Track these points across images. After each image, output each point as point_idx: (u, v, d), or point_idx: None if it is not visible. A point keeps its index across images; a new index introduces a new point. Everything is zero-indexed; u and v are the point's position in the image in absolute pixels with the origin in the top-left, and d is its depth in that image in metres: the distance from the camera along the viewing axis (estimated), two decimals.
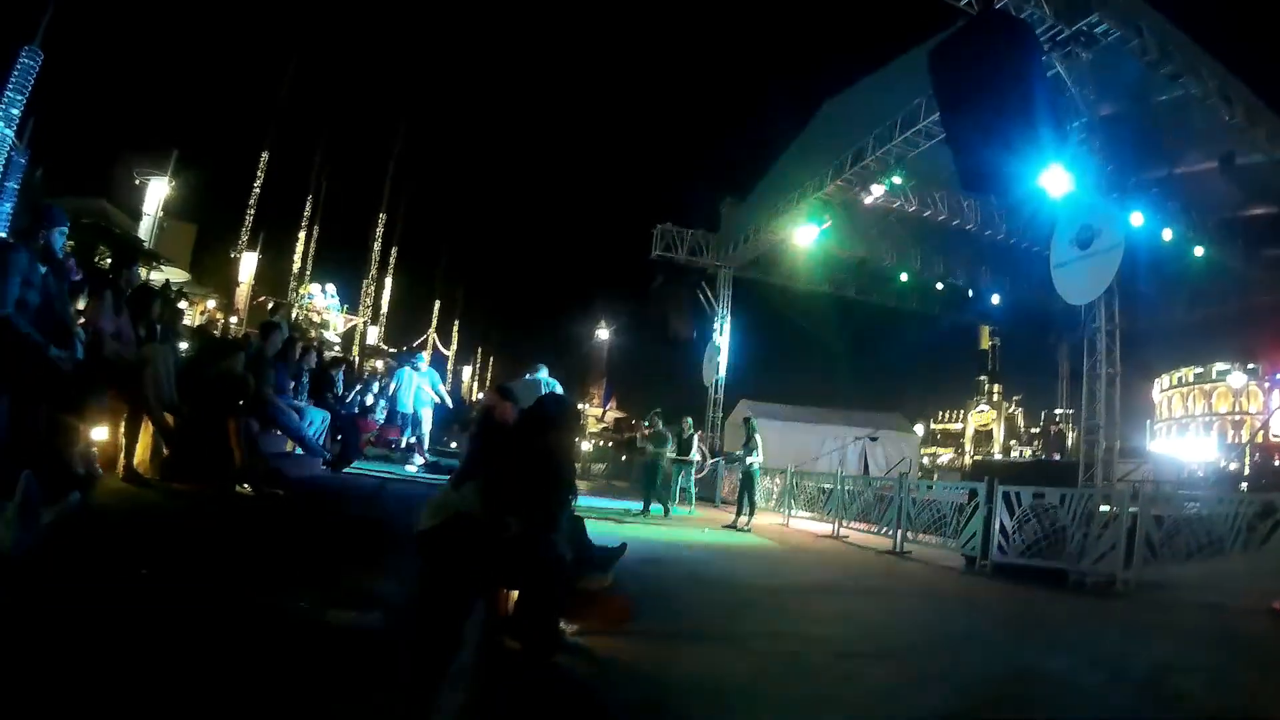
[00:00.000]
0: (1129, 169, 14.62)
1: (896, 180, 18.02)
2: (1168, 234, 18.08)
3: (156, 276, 23.29)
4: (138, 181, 42.93)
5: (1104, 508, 10.22)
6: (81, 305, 7.41)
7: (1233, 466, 23.14)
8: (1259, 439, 31.50)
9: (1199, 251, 19.37)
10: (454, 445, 15.03)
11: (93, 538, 4.23)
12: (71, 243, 8.66)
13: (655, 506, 16.73)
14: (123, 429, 7.06)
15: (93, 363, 6.66)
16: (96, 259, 9.74)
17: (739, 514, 15.87)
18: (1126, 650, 6.71)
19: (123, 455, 7.01)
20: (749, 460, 16.43)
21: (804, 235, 21.54)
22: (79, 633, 2.97)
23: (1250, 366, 60.07)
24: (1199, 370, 68.04)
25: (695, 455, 18.71)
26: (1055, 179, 12.41)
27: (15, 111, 29.27)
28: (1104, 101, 13.03)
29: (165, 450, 7.58)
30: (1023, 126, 10.82)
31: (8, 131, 28.87)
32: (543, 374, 13.81)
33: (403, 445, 14.70)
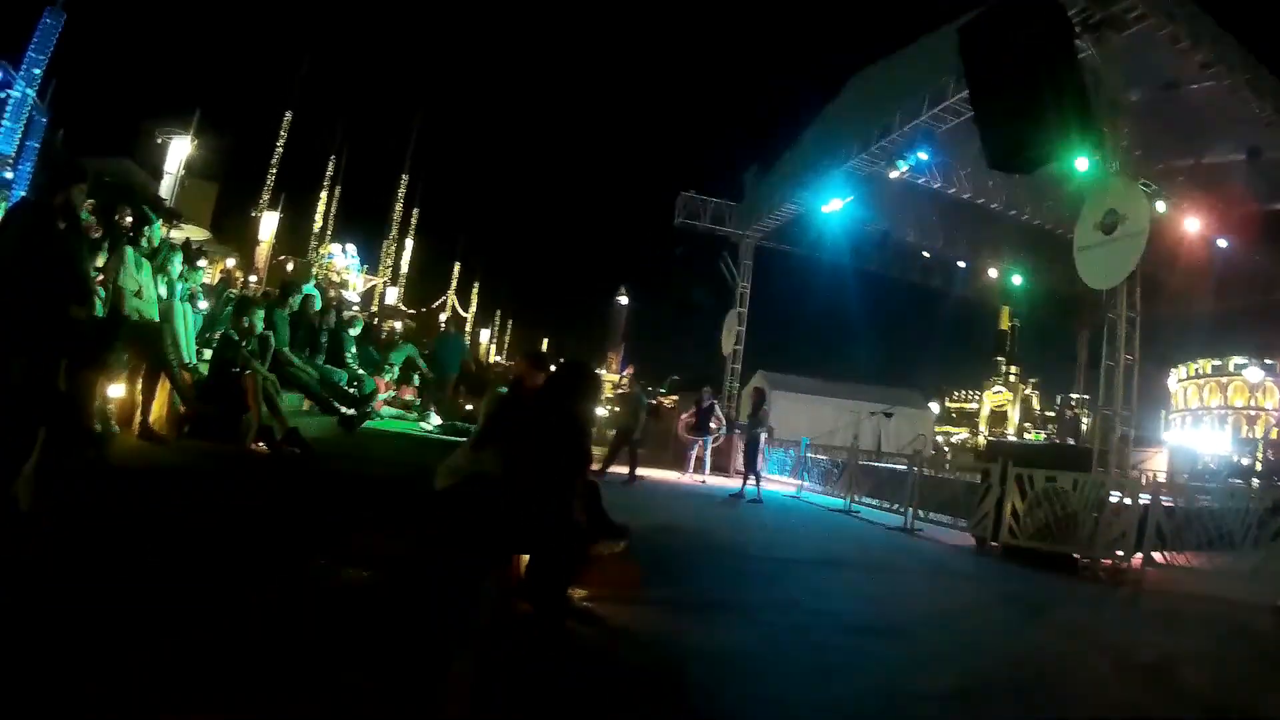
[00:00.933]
0: (1156, 156, 14.48)
1: (923, 156, 17.87)
2: (1192, 224, 17.91)
3: (177, 234, 23.34)
4: (160, 140, 43.05)
5: (1115, 496, 10.19)
6: (101, 262, 7.44)
7: (1245, 461, 22.99)
8: (1274, 435, 31.31)
9: (1222, 243, 19.20)
10: (469, 407, 15.06)
11: (107, 496, 4.26)
12: (92, 201, 8.66)
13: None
14: (140, 386, 7.10)
15: (112, 320, 6.69)
16: (117, 216, 9.72)
17: (745, 481, 15.88)
18: (1131, 638, 6.72)
19: (139, 413, 7.06)
20: (755, 430, 16.44)
21: (828, 207, 21.41)
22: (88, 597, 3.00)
23: (1268, 362, 59.58)
24: (1216, 363, 67.41)
25: (712, 424, 18.69)
26: (1082, 162, 12.31)
27: (37, 71, 29.35)
28: (1134, 87, 12.86)
29: (182, 408, 7.63)
30: (1051, 108, 10.72)
31: (29, 91, 28.93)
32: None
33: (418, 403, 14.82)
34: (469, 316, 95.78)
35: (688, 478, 17.97)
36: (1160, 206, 13.84)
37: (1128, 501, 9.95)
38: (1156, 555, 9.54)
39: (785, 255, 26.85)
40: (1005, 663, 5.55)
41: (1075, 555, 10.20)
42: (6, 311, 5.30)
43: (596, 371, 5.83)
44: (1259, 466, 22.61)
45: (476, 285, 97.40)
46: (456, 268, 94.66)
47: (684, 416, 19.45)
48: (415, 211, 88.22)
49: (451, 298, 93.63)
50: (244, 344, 8.27)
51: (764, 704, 4.14)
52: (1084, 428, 28.85)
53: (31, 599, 2.87)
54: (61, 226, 5.73)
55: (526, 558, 4.93)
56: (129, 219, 8.87)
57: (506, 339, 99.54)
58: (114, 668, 2.58)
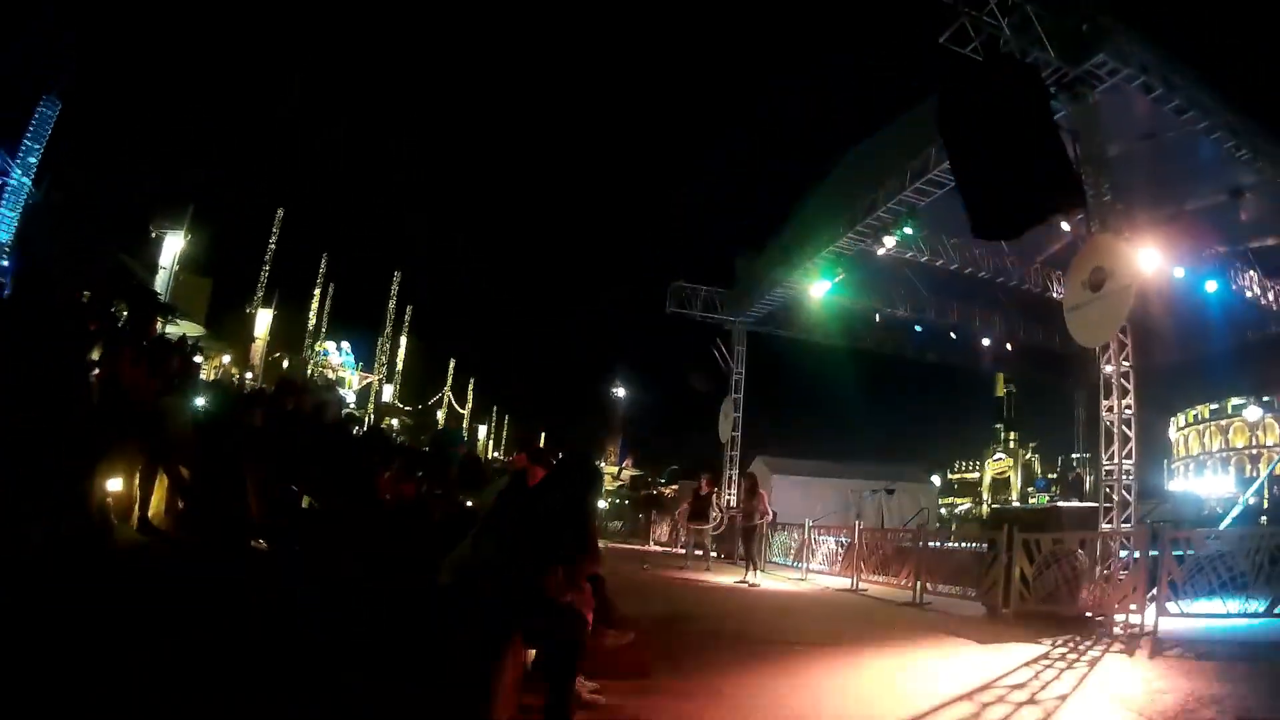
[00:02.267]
0: (1139, 207, 14.63)
1: (908, 230, 18.01)
2: (1179, 271, 18.05)
3: (172, 330, 23.42)
4: (154, 235, 43.38)
5: (1124, 551, 10.13)
6: (97, 356, 7.45)
7: (1252, 500, 22.85)
8: (1278, 471, 31.19)
9: (1211, 286, 19.29)
10: (469, 504, 14.99)
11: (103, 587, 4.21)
12: (87, 294, 8.73)
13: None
14: (138, 480, 7.07)
15: (108, 413, 6.68)
16: (113, 310, 9.80)
17: (747, 569, 15.78)
18: (1151, 694, 6.62)
19: (137, 506, 7.02)
20: (750, 518, 16.39)
21: (817, 289, 21.49)
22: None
23: (1265, 399, 59.67)
24: (1214, 406, 67.63)
25: (712, 513, 18.62)
26: (1065, 223, 12.45)
27: (33, 160, 29.72)
28: (1112, 141, 13.05)
29: (180, 503, 7.58)
30: (1032, 171, 10.85)
31: (26, 180, 29.27)
32: None
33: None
34: (465, 412, 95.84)
35: (690, 567, 17.81)
36: (1148, 259, 13.91)
37: (1136, 555, 9.87)
38: (1170, 605, 9.44)
39: (778, 339, 27.00)
40: None
41: (1088, 615, 10.09)
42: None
43: (597, 465, 5.84)
44: (1266, 504, 22.48)
45: (472, 381, 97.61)
46: (452, 364, 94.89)
47: (683, 506, 19.41)
48: (409, 309, 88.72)
49: (447, 394, 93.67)
50: (244, 440, 8.26)
51: None
52: (1087, 485, 28.78)
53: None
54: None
55: (532, 651, 4.89)
56: (125, 313, 8.91)
57: (504, 434, 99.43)
58: None
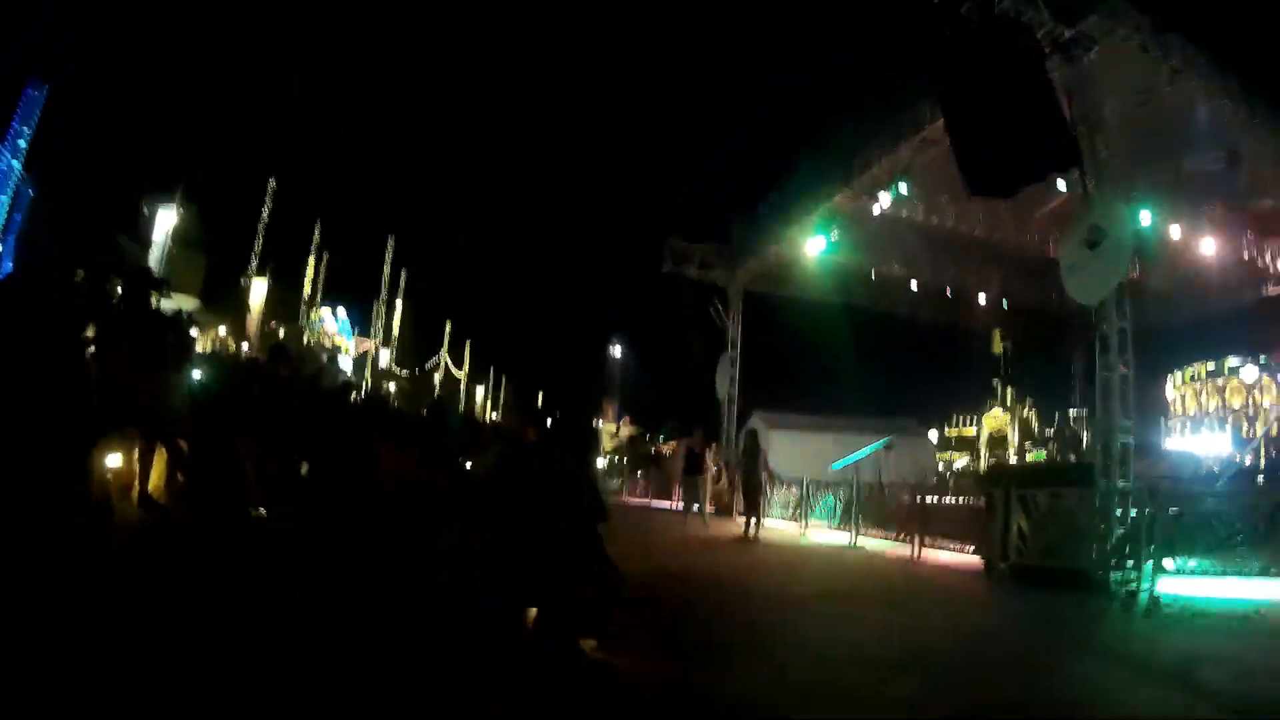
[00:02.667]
0: (1135, 167, 14.58)
1: (903, 189, 17.96)
2: (1176, 230, 18.00)
3: (167, 305, 23.36)
4: (146, 211, 43.20)
5: (1120, 508, 10.17)
6: (92, 334, 7.43)
7: (1248, 461, 22.95)
8: (1274, 432, 31.31)
9: (1207, 246, 19.27)
10: (468, 465, 15.00)
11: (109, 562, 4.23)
12: (81, 273, 8.67)
13: None
14: (137, 456, 7.08)
15: (106, 391, 6.67)
16: (107, 288, 9.74)
17: (747, 525, 15.84)
18: (1147, 649, 6.68)
19: (137, 482, 7.03)
20: (752, 472, 16.43)
21: (813, 246, 21.52)
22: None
23: (1263, 360, 59.67)
24: (1211, 366, 67.52)
25: (711, 467, 18.68)
26: (1061, 181, 12.40)
27: (22, 143, 29.59)
28: (1108, 101, 12.96)
29: (180, 477, 7.59)
30: (1026, 130, 10.80)
31: (15, 164, 29.14)
32: None
33: None
34: (463, 375, 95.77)
35: (689, 524, 17.83)
36: (1145, 218, 13.89)
37: (1134, 513, 9.92)
38: (1166, 562, 9.49)
39: (775, 297, 26.96)
40: (1022, 685, 5.51)
41: (1084, 570, 10.15)
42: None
43: (593, 424, 5.84)
44: (1263, 464, 22.59)
45: (469, 344, 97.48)
46: (448, 326, 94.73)
47: (679, 464, 19.45)
48: (404, 273, 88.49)
49: (444, 357, 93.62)
50: (240, 410, 8.27)
51: None
52: (1084, 443, 28.84)
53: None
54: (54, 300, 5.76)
55: (534, 611, 4.90)
56: (119, 289, 8.87)
57: (501, 395, 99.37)
58: None
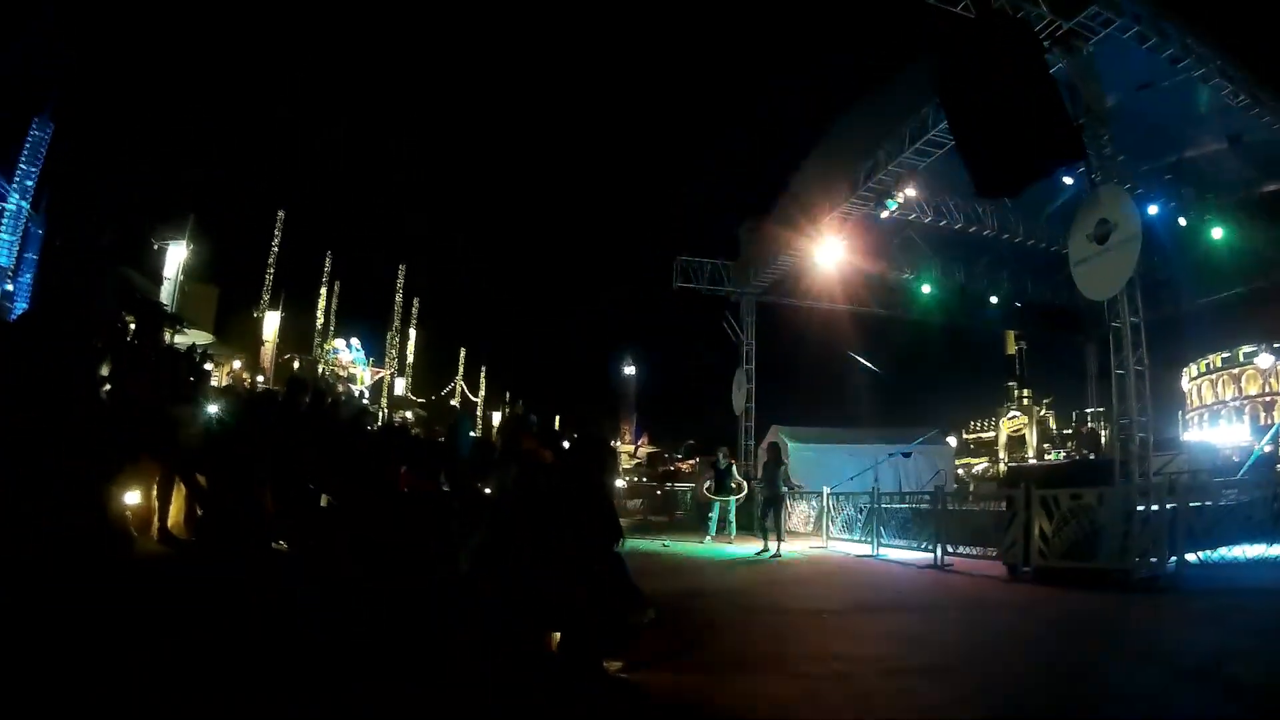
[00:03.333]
0: (1140, 158, 14.54)
1: (910, 192, 17.97)
2: (1183, 220, 17.93)
3: (181, 340, 23.49)
4: (156, 247, 43.42)
5: (1142, 504, 10.12)
6: (107, 371, 7.47)
7: (1268, 449, 22.72)
8: None
9: (1217, 234, 19.17)
10: (487, 490, 14.99)
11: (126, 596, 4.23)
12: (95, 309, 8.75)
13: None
14: (155, 491, 7.10)
15: (123, 427, 6.70)
16: (120, 325, 9.87)
17: (765, 540, 15.78)
18: (1175, 646, 6.62)
19: (156, 517, 7.05)
20: (774, 488, 16.35)
21: (823, 254, 21.53)
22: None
23: (1277, 346, 59.20)
24: (1226, 355, 67.01)
25: (732, 484, 18.62)
26: (1067, 176, 12.39)
27: (30, 183, 29.87)
28: (1109, 93, 12.94)
29: (198, 510, 7.61)
30: (1030, 127, 10.78)
31: (24, 203, 29.41)
32: None
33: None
34: (479, 400, 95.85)
35: (709, 541, 17.75)
36: (1152, 209, 13.84)
37: (1155, 508, 9.86)
38: (1190, 557, 9.44)
39: (787, 307, 26.90)
40: (1051, 689, 5.47)
41: (1109, 569, 10.10)
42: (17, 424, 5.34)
43: (611, 443, 5.83)
44: None
45: (484, 369, 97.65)
46: (463, 353, 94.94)
47: (704, 480, 19.39)
48: (416, 301, 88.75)
49: (459, 384, 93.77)
50: (257, 444, 8.29)
51: None
52: (1103, 440, 28.66)
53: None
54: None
55: (558, 634, 4.89)
56: (132, 326, 8.93)
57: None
58: None
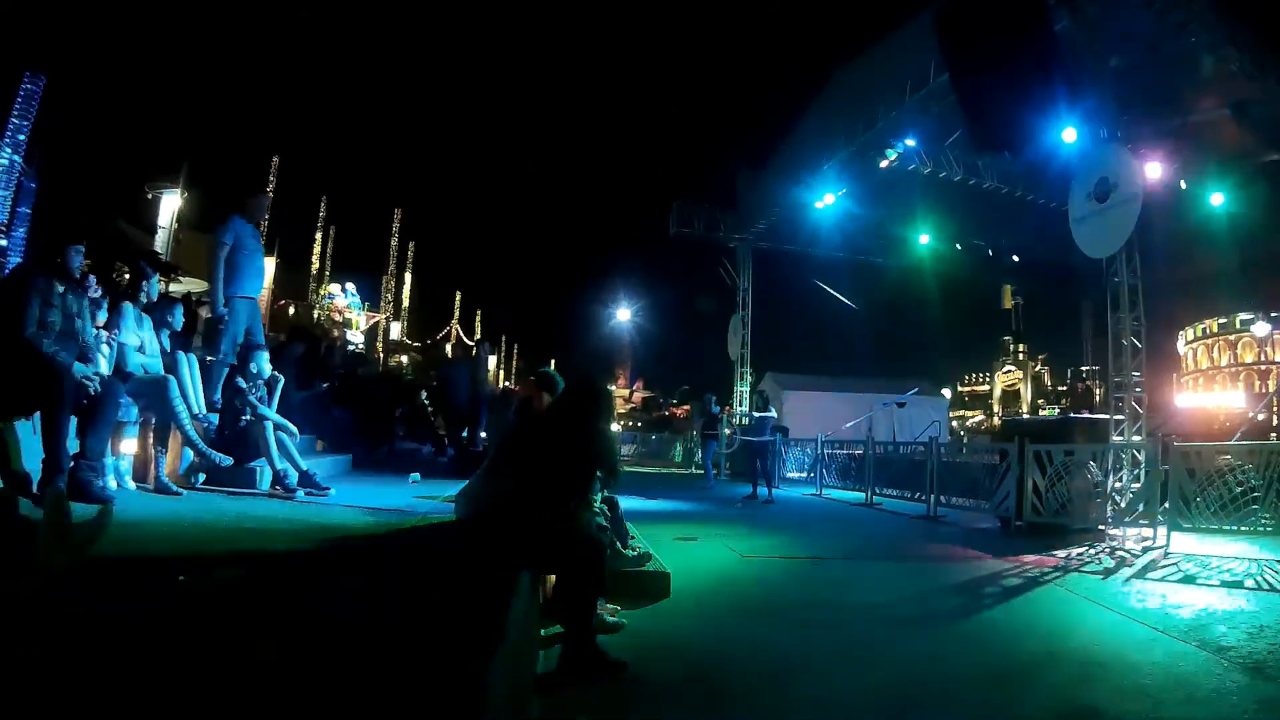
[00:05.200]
0: (1142, 120, 14.45)
1: (910, 143, 17.90)
2: (1184, 184, 17.86)
3: (176, 288, 23.42)
4: (150, 196, 43.15)
5: (1135, 464, 10.18)
6: (102, 321, 7.45)
7: (1261, 417, 22.87)
8: None
9: (1217, 200, 19.11)
10: (483, 435, 15.05)
11: (126, 548, 4.24)
12: (89, 261, 8.71)
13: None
14: (152, 440, 7.11)
15: (118, 376, 6.70)
16: (115, 275, 9.89)
17: (756, 486, 15.89)
18: (1163, 604, 6.68)
19: (153, 466, 7.07)
20: (763, 434, 16.41)
21: (821, 203, 21.48)
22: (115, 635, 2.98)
23: (1274, 314, 59.19)
24: (1222, 321, 66.99)
25: (727, 430, 18.74)
26: (1068, 134, 12.32)
27: (22, 137, 29.66)
28: (1113, 54, 12.85)
29: (195, 459, 7.62)
30: (1033, 83, 10.74)
31: (16, 158, 29.21)
32: None
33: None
34: (474, 344, 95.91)
35: (710, 487, 17.85)
36: (1153, 170, 13.77)
37: (1148, 469, 9.92)
38: (1182, 520, 9.50)
39: (783, 255, 26.87)
40: (1039, 641, 5.53)
41: (1100, 527, 10.18)
42: (12, 373, 5.35)
43: (606, 387, 5.81)
44: (1276, 420, 22.52)
45: (480, 313, 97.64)
46: (458, 296, 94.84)
47: (696, 426, 19.55)
48: (411, 245, 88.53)
49: (455, 327, 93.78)
50: (252, 390, 8.30)
51: (803, 704, 4.12)
52: (1097, 399, 28.78)
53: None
54: (61, 289, 5.77)
55: (553, 577, 4.92)
56: (127, 275, 8.91)
57: (514, 364, 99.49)
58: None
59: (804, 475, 19.85)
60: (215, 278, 8.75)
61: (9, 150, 28.98)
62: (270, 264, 67.35)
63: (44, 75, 30.20)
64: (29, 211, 29.67)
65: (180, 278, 25.74)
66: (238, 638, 2.82)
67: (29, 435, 5.54)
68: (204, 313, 14.72)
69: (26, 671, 2.27)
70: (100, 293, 8.60)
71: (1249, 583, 7.54)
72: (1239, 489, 9.36)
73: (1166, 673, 4.63)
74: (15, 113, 29.88)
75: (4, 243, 28.19)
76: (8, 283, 6.34)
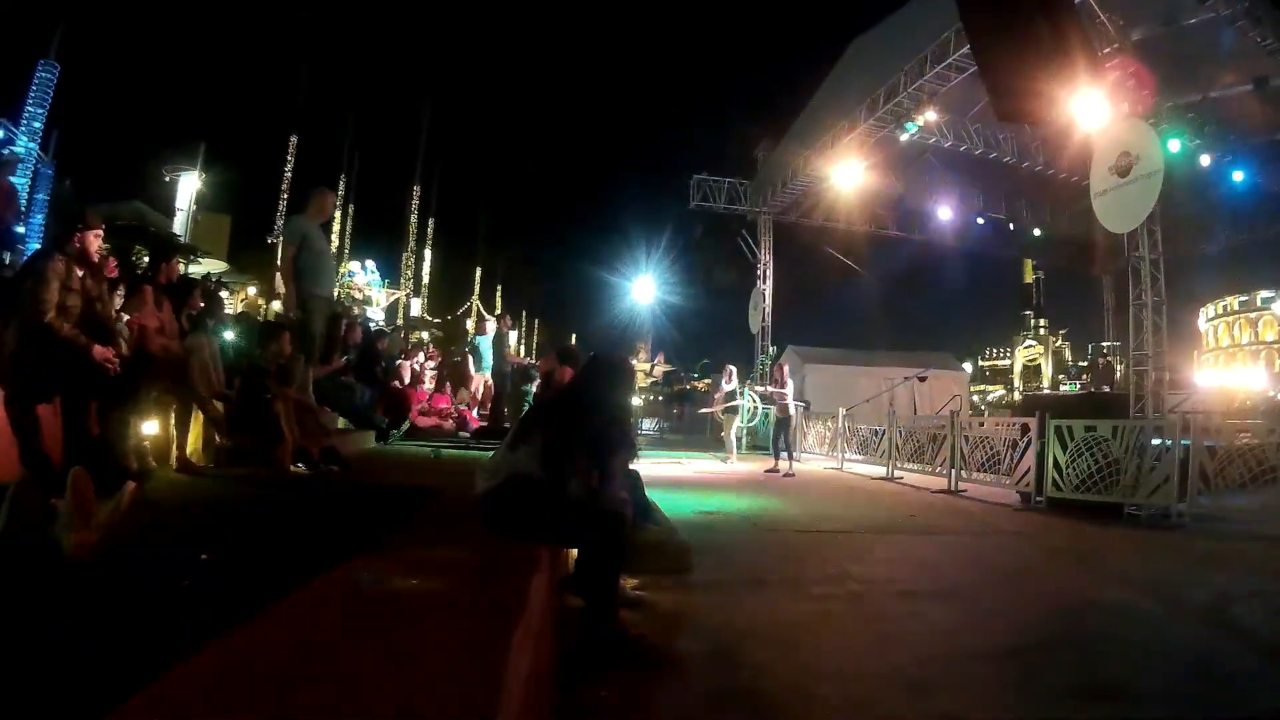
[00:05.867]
0: (1164, 94, 14.30)
1: (930, 115, 17.75)
2: (1206, 159, 17.69)
3: (195, 269, 23.53)
4: (168, 179, 43.35)
5: (1155, 440, 10.11)
6: (122, 303, 7.49)
7: None
8: None
9: (1238, 176, 18.94)
10: (506, 410, 15.09)
11: (150, 528, 4.27)
12: (108, 245, 8.75)
13: None
14: (173, 421, 7.15)
15: (139, 358, 6.73)
16: (134, 258, 9.97)
17: (776, 459, 15.91)
18: (1183, 582, 6.66)
19: (175, 447, 7.11)
20: (782, 405, 16.39)
21: (841, 175, 21.32)
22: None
23: None
24: (1243, 298, 66.51)
25: (747, 403, 18.71)
26: (1090, 107, 12.20)
27: (37, 125, 29.89)
28: (1135, 26, 12.71)
29: (217, 439, 7.66)
30: (1054, 54, 10.62)
31: (32, 145, 29.42)
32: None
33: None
34: (493, 320, 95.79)
35: (731, 461, 17.83)
36: (1173, 145, 13.64)
37: (1169, 444, 9.87)
38: (1202, 497, 9.47)
39: (803, 228, 26.74)
40: (1058, 616, 5.52)
41: (1120, 503, 10.13)
42: (33, 358, 5.38)
43: (628, 359, 5.80)
44: None
45: (500, 288, 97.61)
46: (478, 273, 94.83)
47: (716, 400, 19.50)
48: (431, 221, 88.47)
49: (476, 303, 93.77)
50: (274, 369, 8.33)
51: (824, 677, 4.12)
52: (1118, 375, 28.62)
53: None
54: (80, 273, 5.79)
55: (574, 551, 4.92)
56: (146, 257, 8.95)
57: (534, 338, 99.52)
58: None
59: (825, 449, 19.81)
60: (287, 280, 8.82)
61: (24, 139, 29.19)
62: None
63: (57, 63, 30.38)
64: (46, 198, 29.91)
65: (199, 259, 25.85)
66: None
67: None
68: (224, 293, 14.79)
69: None
70: (119, 275, 8.64)
71: (1270, 561, 7.52)
72: (1259, 467, 9.32)
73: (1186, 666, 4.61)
74: (30, 100, 30.09)
75: (22, 229, 28.47)
76: (27, 268, 6.36)
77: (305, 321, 8.79)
